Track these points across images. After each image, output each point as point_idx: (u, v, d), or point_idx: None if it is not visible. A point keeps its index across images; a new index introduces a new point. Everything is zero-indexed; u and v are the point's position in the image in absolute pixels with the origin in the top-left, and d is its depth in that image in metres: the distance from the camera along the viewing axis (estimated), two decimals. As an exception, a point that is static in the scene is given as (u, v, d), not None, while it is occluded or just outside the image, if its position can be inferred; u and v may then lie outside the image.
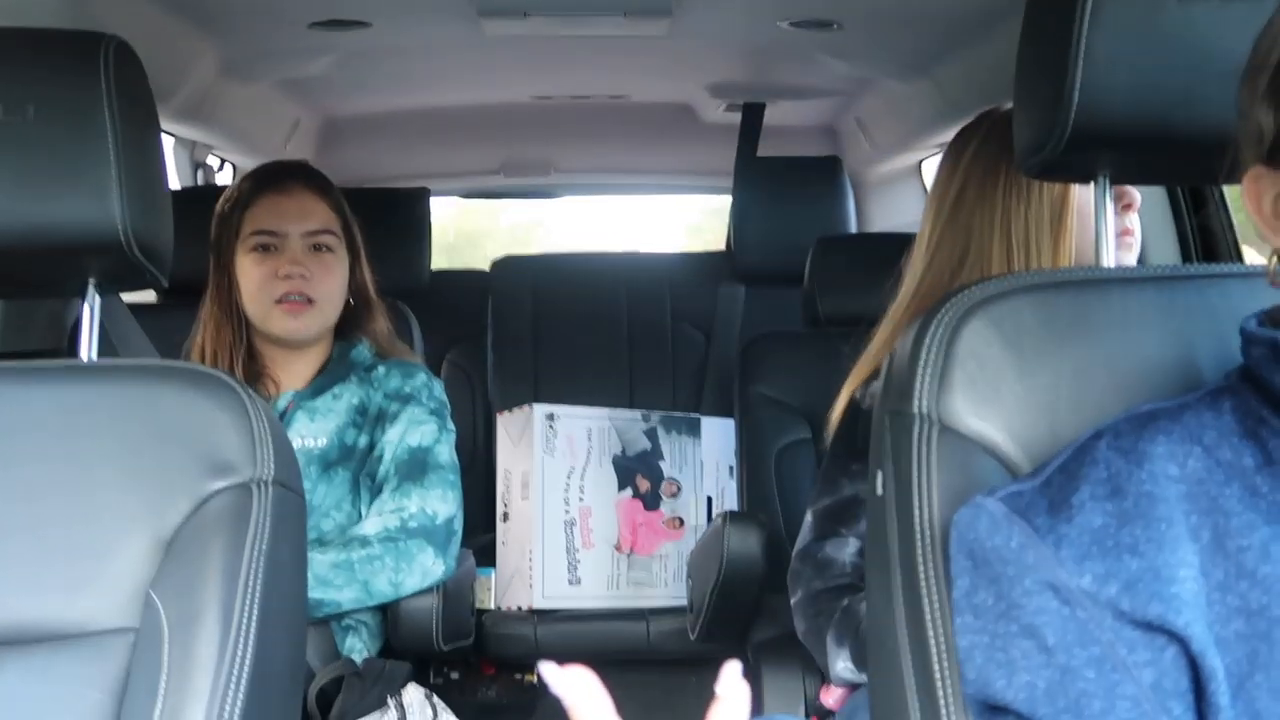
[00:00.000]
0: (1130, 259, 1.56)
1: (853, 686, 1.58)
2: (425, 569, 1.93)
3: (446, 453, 2.04)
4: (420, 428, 2.02)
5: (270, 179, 2.06)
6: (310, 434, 2.00)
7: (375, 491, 2.00)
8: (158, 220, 1.24)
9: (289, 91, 2.99)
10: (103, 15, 1.91)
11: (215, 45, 2.41)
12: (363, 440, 2.03)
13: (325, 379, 2.06)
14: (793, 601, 1.65)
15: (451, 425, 2.10)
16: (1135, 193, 1.55)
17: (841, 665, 1.53)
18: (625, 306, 3.16)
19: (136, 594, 1.13)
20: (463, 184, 3.92)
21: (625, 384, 3.08)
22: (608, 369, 3.08)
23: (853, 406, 1.65)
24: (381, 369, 2.09)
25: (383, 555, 1.90)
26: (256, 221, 2.02)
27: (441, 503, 1.98)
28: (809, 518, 1.66)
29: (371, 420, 2.04)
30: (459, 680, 2.78)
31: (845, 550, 1.60)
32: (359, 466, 2.02)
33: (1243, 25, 1.08)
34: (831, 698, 1.64)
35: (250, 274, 2.01)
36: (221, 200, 2.09)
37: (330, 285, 2.04)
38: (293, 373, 2.07)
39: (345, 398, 2.05)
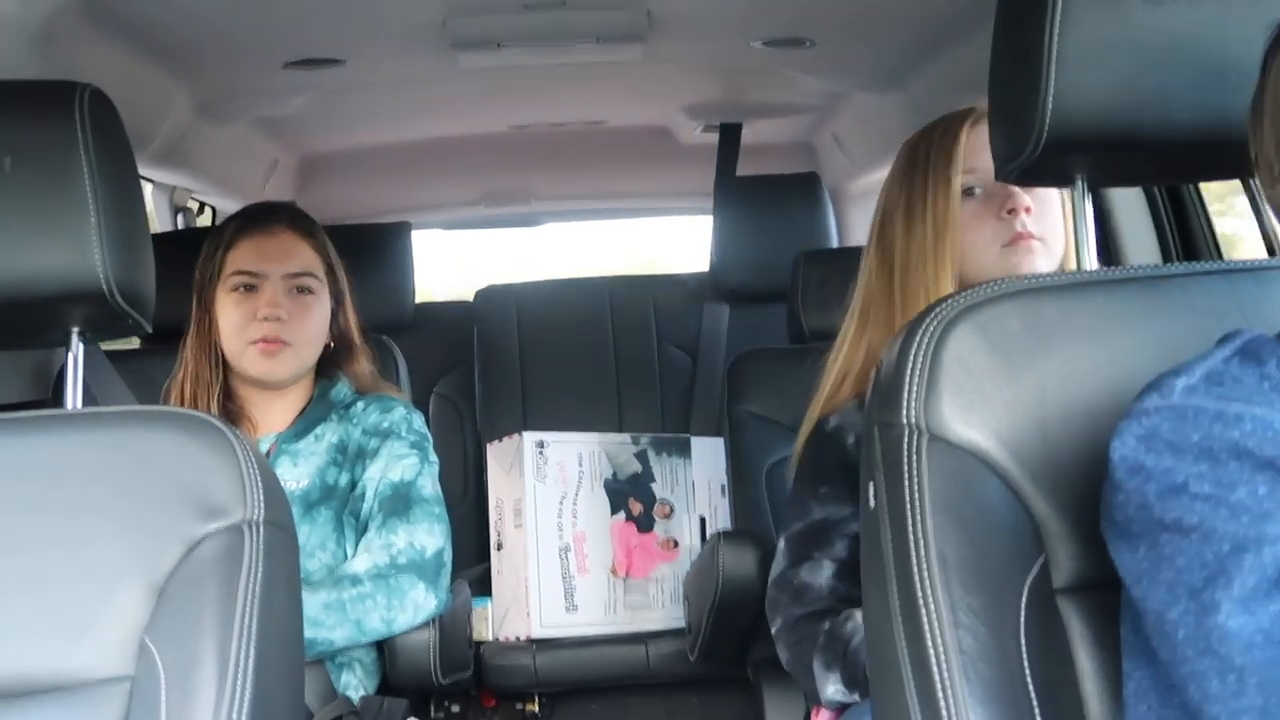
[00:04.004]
0: (1036, 264, 1.57)
1: (843, 707, 1.57)
2: (417, 604, 1.92)
3: (430, 485, 2.03)
4: (401, 462, 2.01)
5: (254, 220, 2.06)
6: (292, 476, 2.00)
7: (360, 530, 1.99)
8: (139, 267, 1.24)
9: (266, 131, 2.99)
10: (75, 64, 1.91)
11: (190, 89, 2.42)
12: (344, 479, 2.02)
13: (307, 420, 2.05)
14: (773, 630, 1.64)
15: (434, 457, 2.09)
16: (1022, 196, 1.57)
17: (833, 689, 1.53)
18: (610, 330, 3.16)
19: (131, 642, 1.12)
20: (444, 216, 3.92)
21: (614, 408, 3.08)
22: (596, 393, 3.08)
23: (818, 430, 1.66)
24: (360, 404, 2.08)
25: (374, 593, 1.89)
26: (238, 262, 2.02)
27: (429, 536, 1.97)
28: (781, 544, 1.66)
29: (351, 457, 2.04)
30: (460, 713, 2.76)
31: (821, 574, 1.59)
32: (341, 505, 2.01)
33: (1210, 24, 1.09)
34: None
35: (229, 314, 2.01)
36: (208, 240, 2.09)
37: (308, 328, 2.03)
38: (273, 414, 2.06)
39: (326, 437, 2.05)
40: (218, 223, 3.19)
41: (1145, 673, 0.87)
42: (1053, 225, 1.60)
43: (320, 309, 2.05)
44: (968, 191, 1.61)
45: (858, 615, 1.53)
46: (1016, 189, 1.57)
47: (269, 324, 1.99)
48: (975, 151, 1.61)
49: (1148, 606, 0.84)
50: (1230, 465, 0.81)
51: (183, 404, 2.01)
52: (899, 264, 1.62)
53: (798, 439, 1.70)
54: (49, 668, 1.12)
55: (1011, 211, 1.57)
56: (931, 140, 1.65)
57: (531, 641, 2.58)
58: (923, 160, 1.64)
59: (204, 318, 2.04)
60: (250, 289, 2.01)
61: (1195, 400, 0.85)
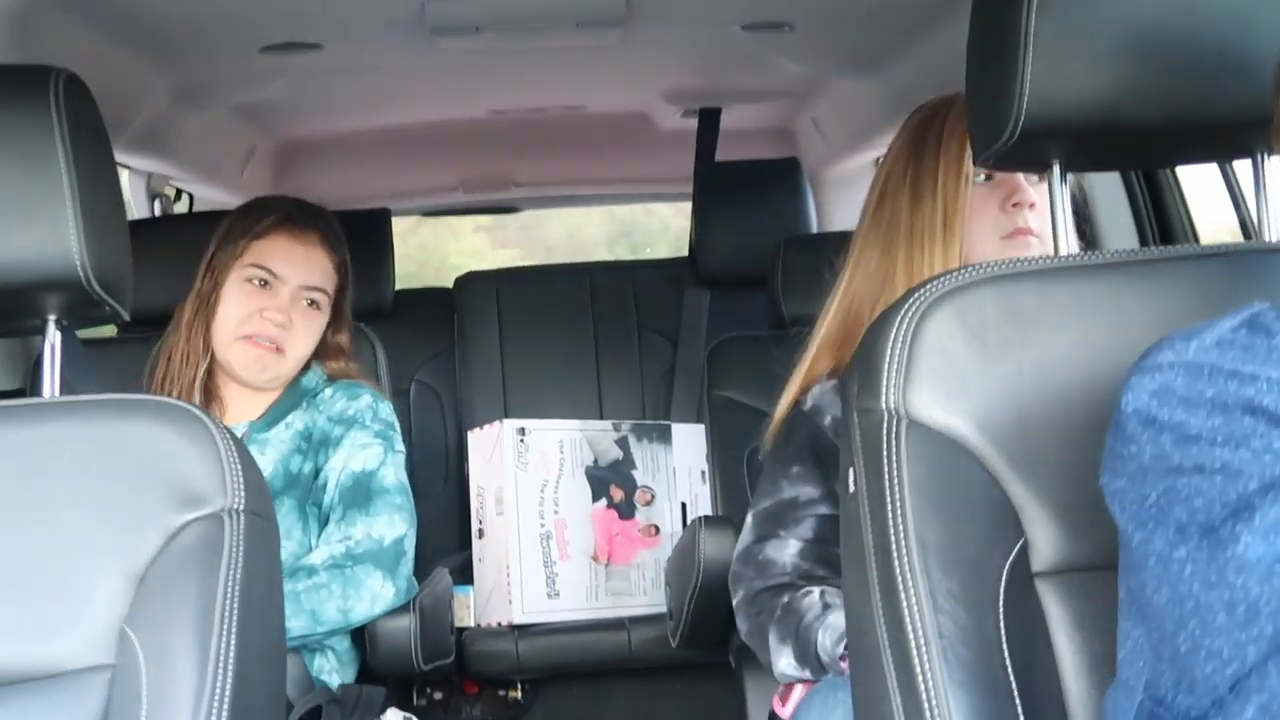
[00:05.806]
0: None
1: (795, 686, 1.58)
2: (374, 593, 1.91)
3: (392, 475, 2.02)
4: (364, 451, 2.01)
5: (293, 220, 2.05)
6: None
7: (323, 520, 1.99)
8: (116, 254, 1.23)
9: (244, 117, 2.98)
10: (50, 49, 1.89)
11: (167, 74, 2.40)
12: (307, 466, 2.02)
13: (279, 409, 2.05)
14: (734, 602, 1.65)
15: (400, 446, 2.08)
16: (1029, 191, 1.56)
17: (785, 663, 1.54)
18: (591, 317, 3.16)
19: (111, 631, 1.12)
20: (423, 202, 3.91)
21: (594, 394, 3.08)
22: (576, 380, 3.08)
23: (795, 410, 1.66)
24: (328, 392, 2.08)
25: (329, 583, 1.88)
26: (261, 256, 2.02)
27: (388, 526, 1.96)
28: (749, 520, 1.67)
29: (315, 445, 2.03)
30: (442, 700, 2.76)
31: (785, 551, 1.60)
32: (305, 495, 2.00)
33: (1187, 9, 1.10)
34: (786, 709, 1.63)
35: (234, 301, 2.01)
36: (236, 213, 2.08)
37: (304, 341, 2.04)
38: (249, 402, 2.05)
39: (294, 425, 2.04)
40: (196, 209, 3.18)
41: (1142, 629, 0.87)
42: (1047, 221, 1.60)
43: (319, 324, 2.06)
44: (976, 178, 1.58)
45: (815, 592, 1.54)
46: (1024, 183, 1.56)
47: (271, 327, 1.99)
48: None
49: (1151, 549, 0.83)
50: (1244, 420, 0.81)
51: (169, 367, 2.02)
52: (903, 237, 1.58)
53: (775, 414, 1.70)
54: (29, 658, 1.12)
55: (1016, 205, 1.55)
56: (946, 119, 1.60)
57: (513, 628, 2.59)
58: (934, 139, 1.60)
59: (211, 292, 2.03)
60: (264, 284, 2.01)
61: (1210, 358, 0.85)
